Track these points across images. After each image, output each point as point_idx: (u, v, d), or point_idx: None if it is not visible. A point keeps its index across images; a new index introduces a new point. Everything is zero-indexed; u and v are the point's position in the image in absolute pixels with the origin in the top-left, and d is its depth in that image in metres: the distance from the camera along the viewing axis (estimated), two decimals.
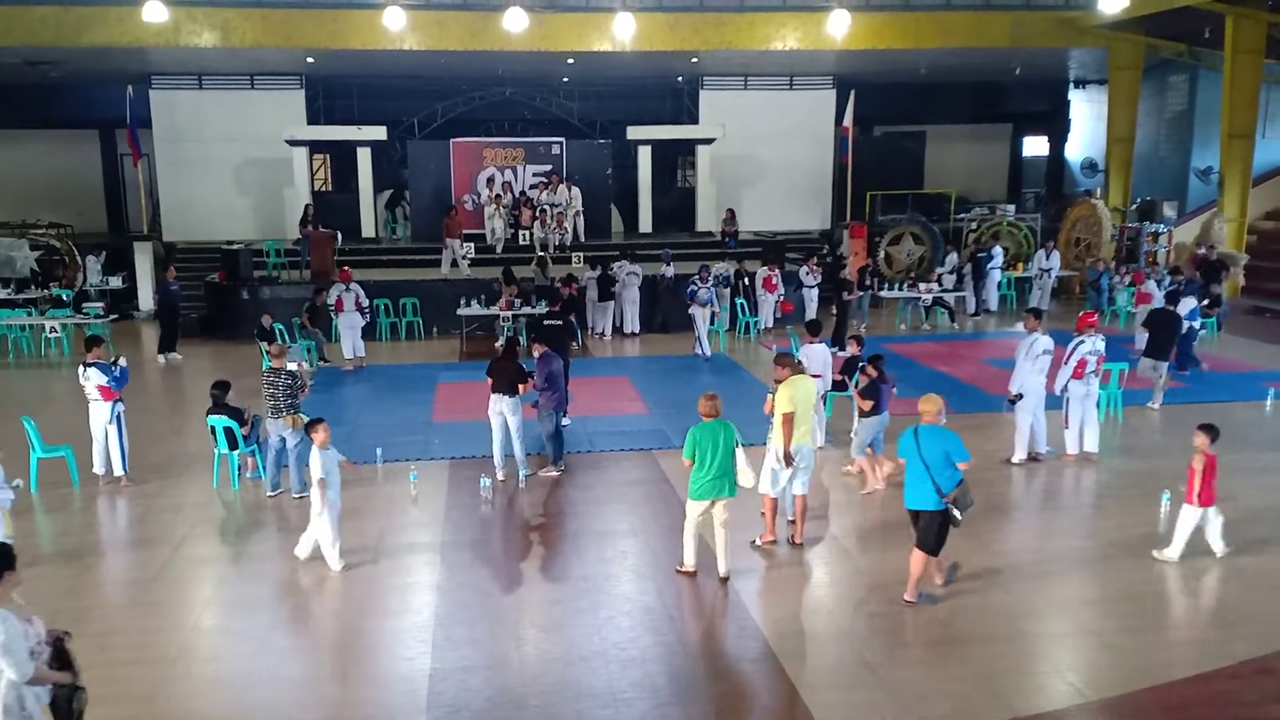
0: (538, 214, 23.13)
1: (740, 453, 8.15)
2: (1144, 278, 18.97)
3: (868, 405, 10.18)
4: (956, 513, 7.55)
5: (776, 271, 19.91)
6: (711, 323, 17.92)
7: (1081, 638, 7.37)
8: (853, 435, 10.81)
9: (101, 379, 10.60)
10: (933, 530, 7.60)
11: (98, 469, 10.79)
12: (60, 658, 4.97)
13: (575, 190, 24.05)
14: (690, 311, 17.51)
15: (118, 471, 10.80)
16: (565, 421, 11.55)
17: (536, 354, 10.93)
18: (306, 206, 22.80)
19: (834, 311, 17.46)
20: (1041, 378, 11.02)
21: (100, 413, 10.69)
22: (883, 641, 7.23)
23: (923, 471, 7.53)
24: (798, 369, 9.23)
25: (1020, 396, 11.01)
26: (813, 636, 7.42)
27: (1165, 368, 13.45)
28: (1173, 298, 14.52)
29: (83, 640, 7.26)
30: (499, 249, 22.60)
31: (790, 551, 8.91)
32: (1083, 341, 11.14)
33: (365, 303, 16.90)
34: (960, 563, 8.44)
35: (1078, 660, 7.06)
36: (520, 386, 10.58)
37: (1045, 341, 11.02)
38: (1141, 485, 10.38)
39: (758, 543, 9.01)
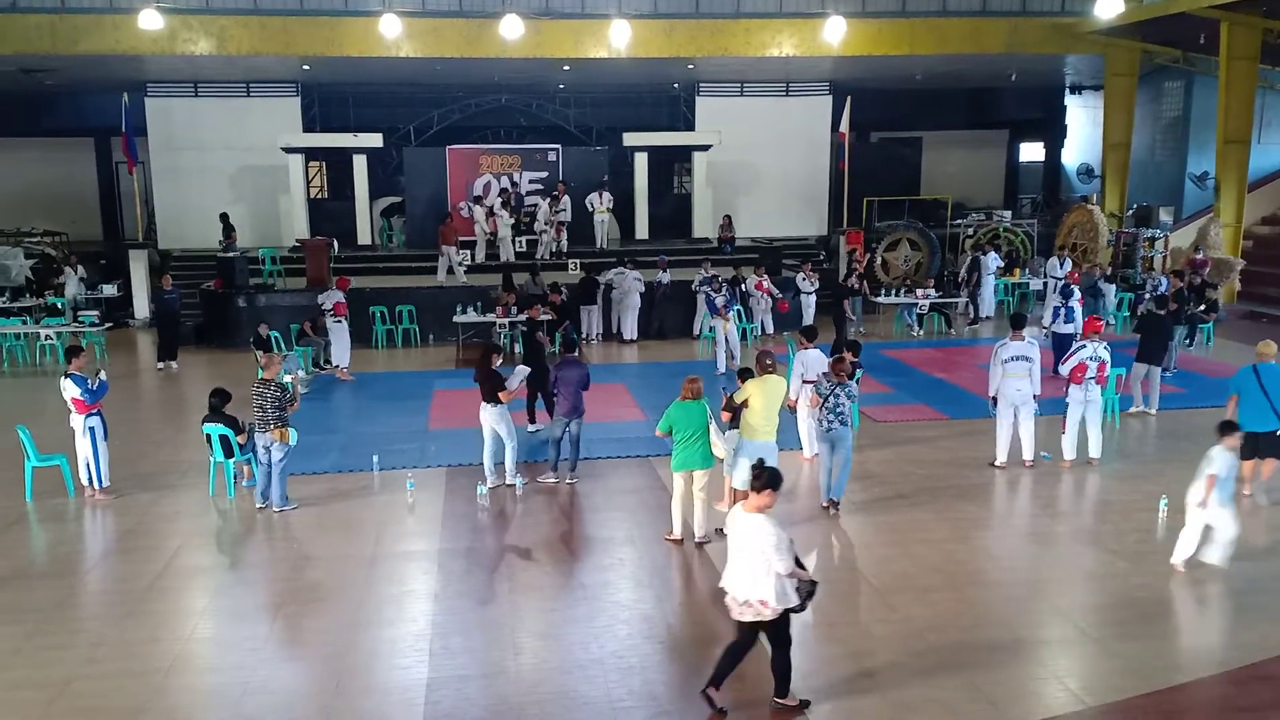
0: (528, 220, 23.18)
1: (713, 427, 8.98)
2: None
3: (727, 417, 9.49)
4: None
5: (767, 276, 19.91)
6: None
7: (1080, 644, 7.34)
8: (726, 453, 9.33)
9: (75, 391, 10.52)
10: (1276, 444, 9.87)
11: (83, 480, 10.69)
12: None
13: (607, 195, 24.14)
14: (713, 324, 17.09)
15: (94, 483, 10.63)
16: (551, 428, 11.46)
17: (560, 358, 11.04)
18: (223, 215, 22.89)
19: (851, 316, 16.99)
20: (1020, 383, 10.88)
21: (76, 425, 10.63)
22: (881, 649, 7.20)
23: (1264, 400, 9.79)
24: (768, 369, 9.27)
25: (996, 400, 11.13)
26: (811, 644, 7.38)
27: (1158, 373, 13.44)
28: (1161, 302, 14.52)
29: (74, 651, 7.29)
30: (501, 256, 22.49)
31: None
32: (1084, 346, 11.09)
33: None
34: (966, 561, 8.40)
35: (1076, 666, 7.03)
36: (499, 395, 10.54)
37: (1015, 347, 10.90)
38: (1139, 490, 10.36)
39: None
